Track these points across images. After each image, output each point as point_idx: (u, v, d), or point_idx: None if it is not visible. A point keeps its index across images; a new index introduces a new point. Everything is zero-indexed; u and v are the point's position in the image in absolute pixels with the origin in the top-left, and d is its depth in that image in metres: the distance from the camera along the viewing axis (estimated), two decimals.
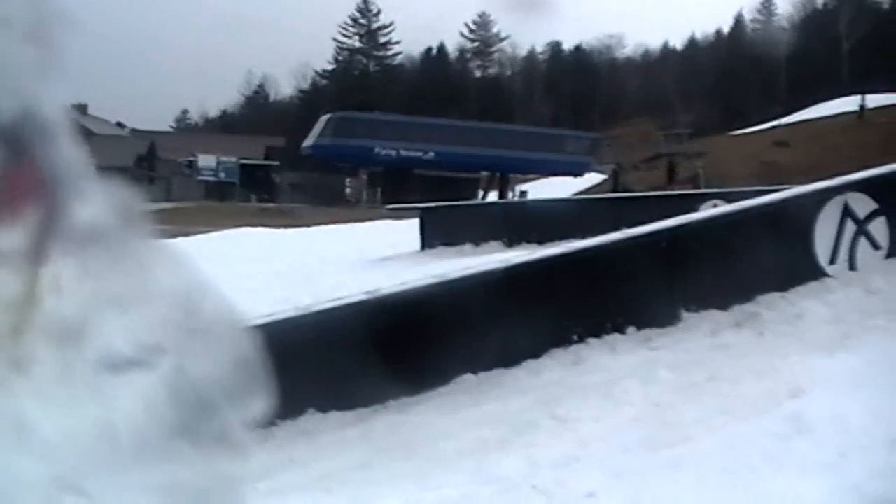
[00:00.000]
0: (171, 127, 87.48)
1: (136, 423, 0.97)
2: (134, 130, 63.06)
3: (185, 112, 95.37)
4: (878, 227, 6.01)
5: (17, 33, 0.95)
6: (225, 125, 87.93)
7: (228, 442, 1.07)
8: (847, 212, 5.95)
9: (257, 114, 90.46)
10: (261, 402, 1.10)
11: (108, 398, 0.96)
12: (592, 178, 46.81)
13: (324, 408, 4.35)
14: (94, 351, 0.96)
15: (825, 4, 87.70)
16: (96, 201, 1.02)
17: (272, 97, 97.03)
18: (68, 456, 0.92)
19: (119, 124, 63.40)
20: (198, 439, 1.03)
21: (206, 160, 54.46)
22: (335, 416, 4.68)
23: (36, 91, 0.98)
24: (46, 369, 0.94)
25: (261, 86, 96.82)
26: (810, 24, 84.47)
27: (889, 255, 6.01)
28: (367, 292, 4.78)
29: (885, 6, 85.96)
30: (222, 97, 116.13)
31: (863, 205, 5.99)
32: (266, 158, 58.97)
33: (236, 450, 1.08)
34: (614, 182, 41.62)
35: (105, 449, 0.96)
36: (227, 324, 1.12)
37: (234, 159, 54.66)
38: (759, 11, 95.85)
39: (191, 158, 54.57)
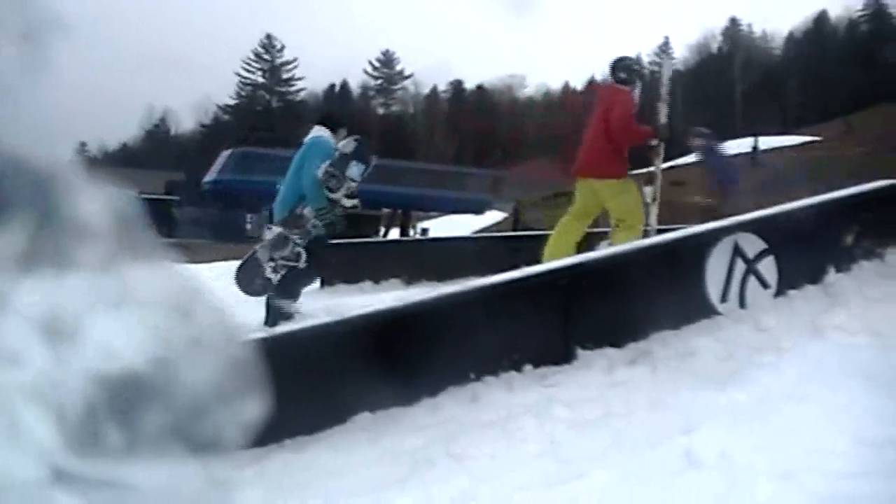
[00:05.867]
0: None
1: (128, 424, 0.96)
2: None
3: (83, 145, 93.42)
4: (767, 267, 6.16)
5: (7, 35, 0.94)
6: (125, 159, 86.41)
7: (221, 446, 1.06)
8: (737, 251, 6.09)
9: (158, 148, 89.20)
10: (254, 408, 1.09)
11: (100, 397, 0.95)
12: (494, 216, 47.12)
13: None
14: (89, 351, 0.94)
15: (719, 49, 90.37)
16: (94, 204, 1.00)
17: (173, 131, 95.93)
18: (60, 454, 0.90)
19: None
20: (191, 443, 1.02)
21: None
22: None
23: (28, 93, 0.97)
24: (41, 367, 0.92)
25: (162, 120, 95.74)
26: (705, 68, 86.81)
27: (777, 294, 6.16)
28: (264, 331, 4.74)
29: (777, 51, 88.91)
30: (122, 130, 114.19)
31: (752, 245, 6.14)
32: (166, 193, 58.06)
33: (228, 454, 1.07)
34: (515, 220, 41.94)
35: (97, 448, 0.94)
36: (222, 330, 1.11)
37: (133, 193, 53.76)
38: (657, 55, 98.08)
39: None
